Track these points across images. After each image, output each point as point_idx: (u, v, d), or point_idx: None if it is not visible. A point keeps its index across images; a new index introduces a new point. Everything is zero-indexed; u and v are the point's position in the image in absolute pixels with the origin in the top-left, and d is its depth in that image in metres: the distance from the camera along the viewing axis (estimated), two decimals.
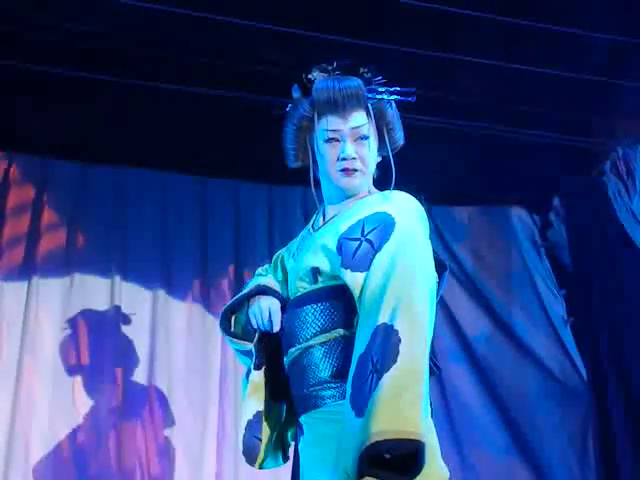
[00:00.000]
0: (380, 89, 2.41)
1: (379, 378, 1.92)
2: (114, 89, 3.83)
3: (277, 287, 2.44)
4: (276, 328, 2.33)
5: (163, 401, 4.38)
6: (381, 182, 2.41)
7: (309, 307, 2.26)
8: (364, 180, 2.38)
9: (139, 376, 4.38)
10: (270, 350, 2.37)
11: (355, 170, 2.33)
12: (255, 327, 2.35)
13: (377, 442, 1.85)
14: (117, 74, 3.75)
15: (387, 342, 1.96)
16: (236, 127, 4.14)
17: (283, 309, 2.36)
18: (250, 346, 2.36)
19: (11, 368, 4.18)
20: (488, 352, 5.01)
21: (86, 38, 3.60)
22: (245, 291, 2.45)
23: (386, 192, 2.36)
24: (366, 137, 2.35)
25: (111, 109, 4.02)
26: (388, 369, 1.92)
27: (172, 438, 4.33)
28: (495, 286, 5.13)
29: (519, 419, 4.93)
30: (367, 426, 1.88)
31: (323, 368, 2.20)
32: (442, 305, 4.97)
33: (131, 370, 4.37)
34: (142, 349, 4.41)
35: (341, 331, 2.19)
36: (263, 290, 2.41)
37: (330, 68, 2.40)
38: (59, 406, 4.20)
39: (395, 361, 1.93)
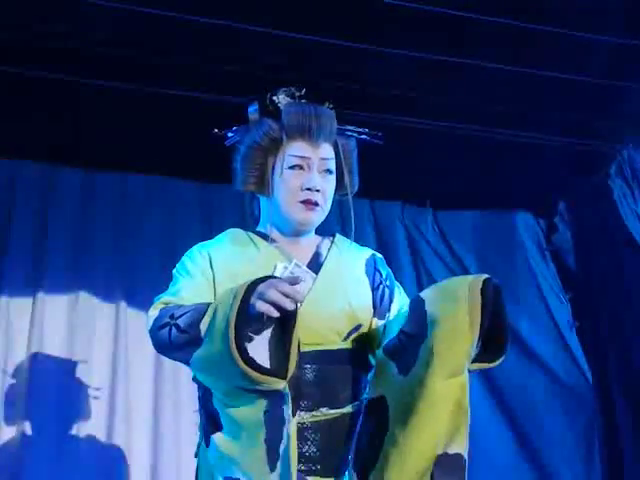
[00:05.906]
0: (349, 127, 2.30)
1: (425, 331, 2.01)
2: (117, 95, 3.83)
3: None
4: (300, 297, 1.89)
5: (168, 418, 4.31)
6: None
7: (343, 368, 2.15)
8: (320, 219, 2.26)
9: (143, 393, 4.32)
10: None
11: (317, 205, 2.19)
12: (277, 315, 1.85)
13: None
14: (120, 80, 3.76)
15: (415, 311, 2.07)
16: None
17: None
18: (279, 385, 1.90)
19: (18, 385, 4.12)
20: None
21: (90, 45, 3.60)
22: (233, 305, 1.86)
23: (344, 238, 2.38)
24: (331, 172, 2.24)
25: (115, 116, 4.01)
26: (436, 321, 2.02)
27: (176, 453, 4.28)
28: None
29: (525, 423, 4.91)
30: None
31: (349, 440, 2.15)
32: None
33: (135, 388, 4.31)
34: (147, 367, 4.34)
35: (365, 401, 2.18)
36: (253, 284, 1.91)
37: (297, 94, 2.25)
38: (64, 421, 4.15)
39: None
